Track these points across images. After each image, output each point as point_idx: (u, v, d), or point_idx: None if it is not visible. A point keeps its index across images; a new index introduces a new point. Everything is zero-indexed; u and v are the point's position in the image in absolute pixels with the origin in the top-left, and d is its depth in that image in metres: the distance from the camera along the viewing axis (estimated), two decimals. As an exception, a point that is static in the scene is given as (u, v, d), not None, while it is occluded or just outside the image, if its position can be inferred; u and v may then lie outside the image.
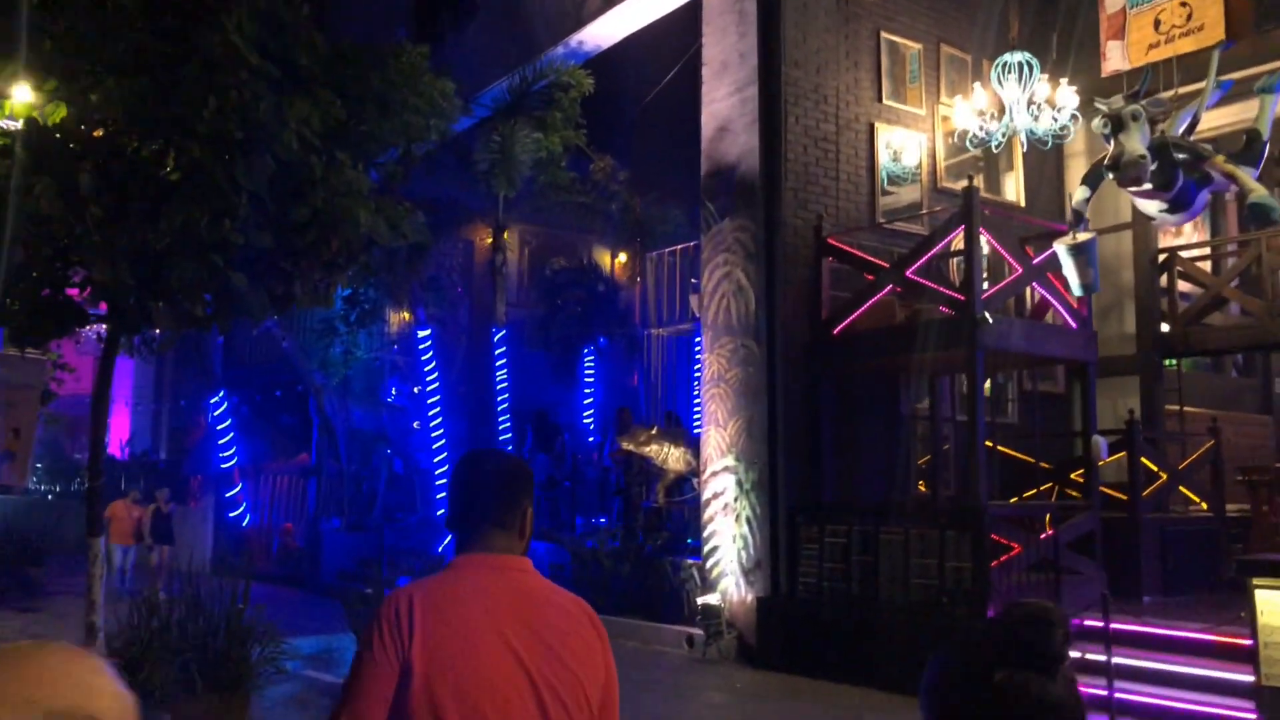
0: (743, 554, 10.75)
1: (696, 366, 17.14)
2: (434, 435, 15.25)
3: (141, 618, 7.85)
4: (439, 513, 15.68)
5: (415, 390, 18.45)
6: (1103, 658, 8.42)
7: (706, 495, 11.24)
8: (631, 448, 12.10)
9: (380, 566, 15.02)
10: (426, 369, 15.44)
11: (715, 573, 11.05)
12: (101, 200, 8.04)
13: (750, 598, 10.59)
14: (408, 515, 17.19)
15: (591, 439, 16.58)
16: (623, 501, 13.14)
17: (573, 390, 19.04)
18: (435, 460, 15.39)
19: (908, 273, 9.90)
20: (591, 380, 19.25)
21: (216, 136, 8.19)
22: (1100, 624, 8.62)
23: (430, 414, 15.27)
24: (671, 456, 12.09)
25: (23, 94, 7.90)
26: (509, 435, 13.87)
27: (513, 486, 2.12)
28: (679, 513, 12.73)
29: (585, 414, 18.94)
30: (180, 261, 8.44)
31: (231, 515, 18.69)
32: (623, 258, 20.56)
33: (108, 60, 8.12)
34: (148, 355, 20.57)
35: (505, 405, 13.94)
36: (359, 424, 16.99)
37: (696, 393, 16.18)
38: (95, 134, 8.40)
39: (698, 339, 13.70)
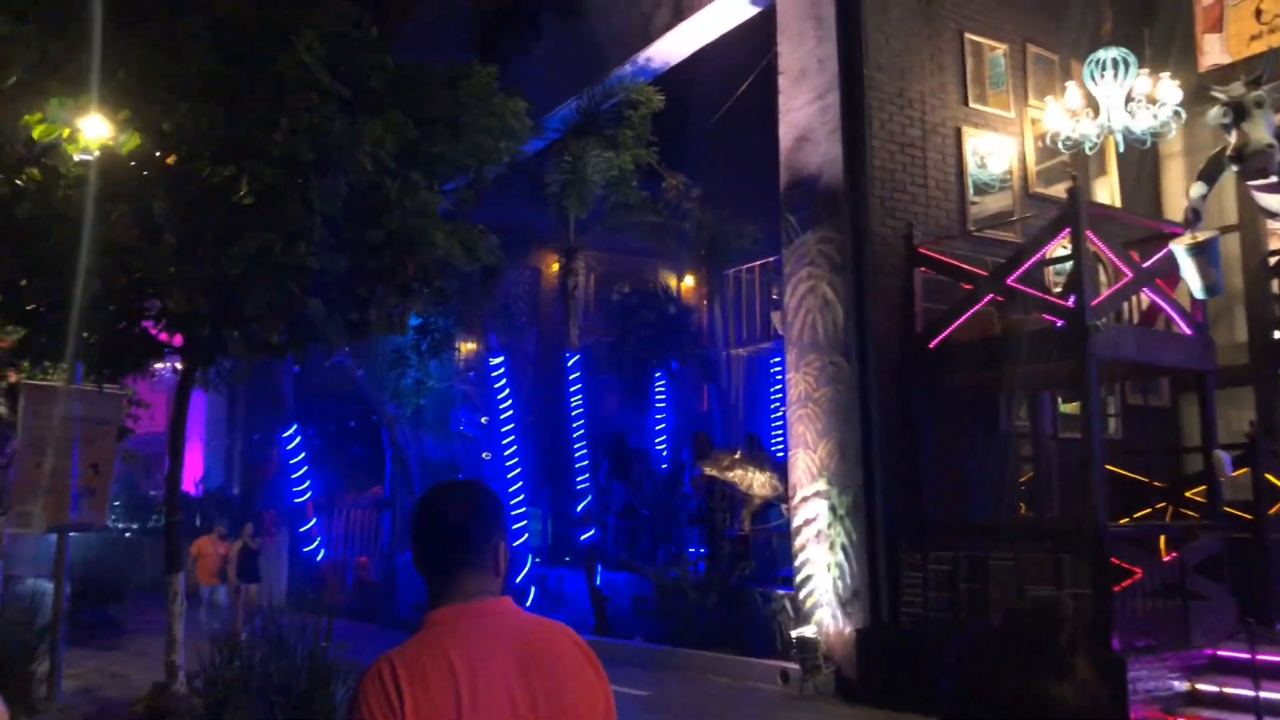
0: (839, 583, 10.20)
1: (775, 387, 16.66)
2: (508, 464, 14.94)
3: (223, 658, 7.56)
4: (515, 543, 15.34)
5: (484, 420, 18.23)
6: (1246, 692, 7.72)
7: (797, 522, 10.72)
8: (715, 473, 11.63)
9: (457, 600, 14.71)
10: (499, 396, 15.16)
11: (809, 603, 10.51)
12: (175, 227, 7.87)
13: (848, 629, 10.02)
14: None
15: (664, 465, 16.14)
16: (705, 530, 12.66)
17: (644, 415, 18.65)
18: (510, 490, 15.05)
19: (1009, 280, 9.34)
20: (662, 404, 18.85)
21: (289, 159, 7.97)
22: (1242, 655, 7.93)
23: (504, 442, 14.97)
24: (756, 482, 11.59)
25: (96, 127, 7.77)
26: (585, 463, 13.51)
27: (483, 520, 1.95)
28: (765, 540, 12.21)
29: (657, 439, 18.53)
30: (255, 288, 8.22)
31: (306, 550, 18.55)
32: (689, 280, 20.22)
33: (180, 86, 7.98)
34: (220, 389, 20.65)
35: (581, 432, 13.58)
36: (431, 454, 16.76)
37: (778, 414, 15.68)
38: (168, 160, 8.24)
39: (777, 358, 13.24)
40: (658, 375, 17.64)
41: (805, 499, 10.65)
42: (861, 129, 10.38)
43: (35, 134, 7.76)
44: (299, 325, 8.99)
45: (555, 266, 21.28)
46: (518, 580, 15.00)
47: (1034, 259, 9.42)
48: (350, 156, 8.23)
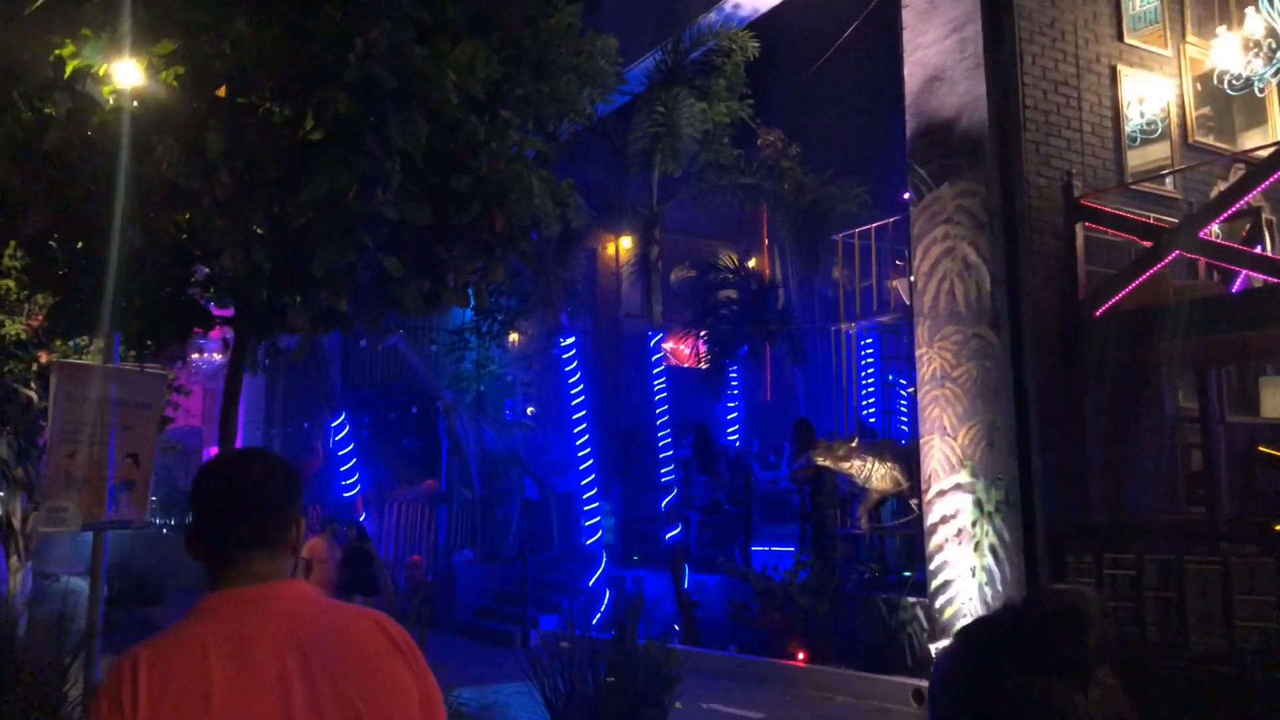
0: (986, 590, 8.79)
1: (868, 367, 15.24)
2: (580, 455, 13.62)
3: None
4: (588, 541, 14.04)
5: (531, 410, 16.94)
6: None
7: (932, 519, 9.32)
8: (829, 463, 10.24)
9: (526, 603, 13.42)
10: (570, 381, 13.83)
11: (948, 613, 9.11)
12: (233, 165, 6.57)
13: (1000, 643, 8.62)
14: (545, 545, 15.58)
15: (752, 455, 14.74)
16: (810, 528, 11.27)
17: (715, 403, 17.29)
18: (582, 484, 13.75)
19: (1201, 234, 7.90)
20: (736, 390, 17.47)
21: (365, 86, 6.67)
22: None
23: (576, 431, 13.65)
24: (876, 474, 10.20)
25: (130, 72, 6.48)
26: (669, 454, 12.17)
27: (269, 493, 1.74)
28: (881, 540, 10.82)
29: (729, 429, 17.16)
30: (323, 242, 6.93)
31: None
32: (751, 262, 18.80)
33: (233, 3, 6.70)
34: (264, 372, 19.52)
35: (665, 419, 12.24)
36: (490, 445, 15.48)
37: (902, 395, 14.26)
38: (219, 93, 6.95)
39: (871, 336, 11.81)
40: (738, 356, 16.26)
41: (942, 493, 9.25)
42: (1011, 64, 8.95)
43: (67, 71, 6.52)
44: (371, 290, 7.69)
45: (611, 247, 19.98)
46: (591, 582, 13.69)
47: (1233, 208, 7.96)
48: (437, 86, 6.92)
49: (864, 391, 15.43)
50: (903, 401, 12.35)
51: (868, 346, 15.77)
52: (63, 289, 7.78)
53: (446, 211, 7.61)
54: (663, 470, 12.21)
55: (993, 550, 8.78)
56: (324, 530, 12.54)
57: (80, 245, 7.30)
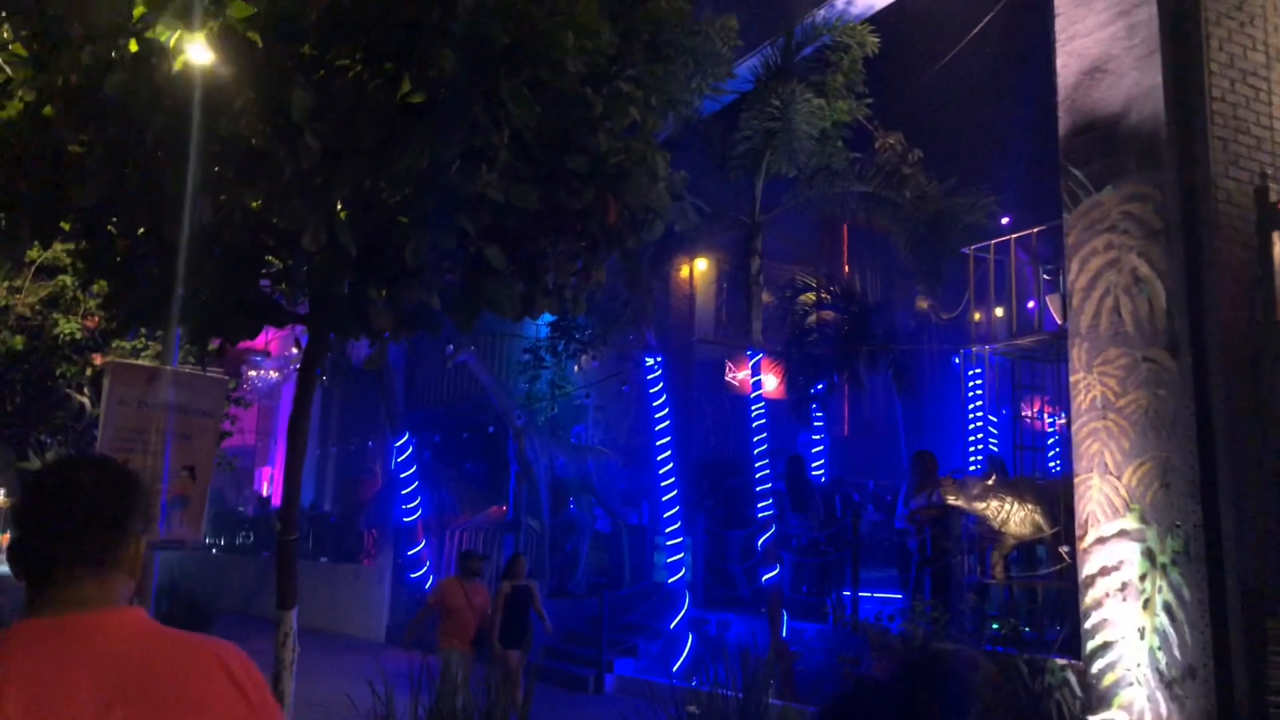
0: (1160, 655, 7.55)
1: (976, 396, 14.03)
2: (664, 485, 12.53)
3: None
4: (671, 580, 12.92)
5: (581, 435, 15.91)
6: None
7: (1089, 570, 8.10)
8: (960, 503, 9.06)
9: (601, 645, 12.31)
10: (655, 404, 12.77)
11: (1108, 680, 7.87)
12: (318, 130, 5.64)
13: (1177, 718, 7.37)
14: (616, 582, 14.48)
15: (845, 488, 13.54)
16: (931, 576, 10.06)
17: (804, 434, 16.14)
18: (665, 516, 12.64)
19: None
20: (820, 422, 16.30)
21: (476, 41, 5.74)
22: None
23: (660, 459, 12.58)
24: (1015, 517, 8.99)
25: (199, 49, 5.58)
26: (768, 487, 11.06)
27: (98, 504, 1.57)
28: (1016, 593, 9.59)
29: (814, 463, 15.98)
30: (417, 227, 6.00)
31: (413, 576, 16.35)
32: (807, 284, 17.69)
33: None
34: (321, 384, 18.65)
35: (764, 448, 11.13)
36: (561, 472, 14.45)
37: (977, 428, 13.05)
38: (304, 50, 6.05)
39: (976, 366, 10.62)
40: (815, 388, 15.16)
41: (1102, 540, 8.03)
42: (1195, 49, 7.82)
43: (135, 13, 5.66)
44: (464, 287, 6.71)
45: (685, 269, 18.97)
46: (673, 625, 12.55)
47: None
48: (556, 46, 5.97)
49: (976, 423, 14.22)
50: (1051, 437, 11.13)
51: (979, 375, 14.60)
52: (121, 276, 6.87)
53: (556, 196, 6.59)
54: (760, 505, 11.09)
55: (1168, 609, 7.53)
56: (460, 566, 10.29)
57: (142, 227, 6.41)
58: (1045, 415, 15.88)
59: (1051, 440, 15.81)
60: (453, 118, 5.81)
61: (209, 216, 5.95)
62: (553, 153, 6.39)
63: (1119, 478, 7.96)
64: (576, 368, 14.38)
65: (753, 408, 11.25)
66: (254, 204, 6.08)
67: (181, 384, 8.20)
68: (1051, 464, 14.69)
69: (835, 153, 10.38)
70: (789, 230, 15.50)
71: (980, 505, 9.02)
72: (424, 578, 16.34)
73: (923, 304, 18.73)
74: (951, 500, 9.11)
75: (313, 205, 5.83)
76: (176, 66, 5.48)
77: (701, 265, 19.53)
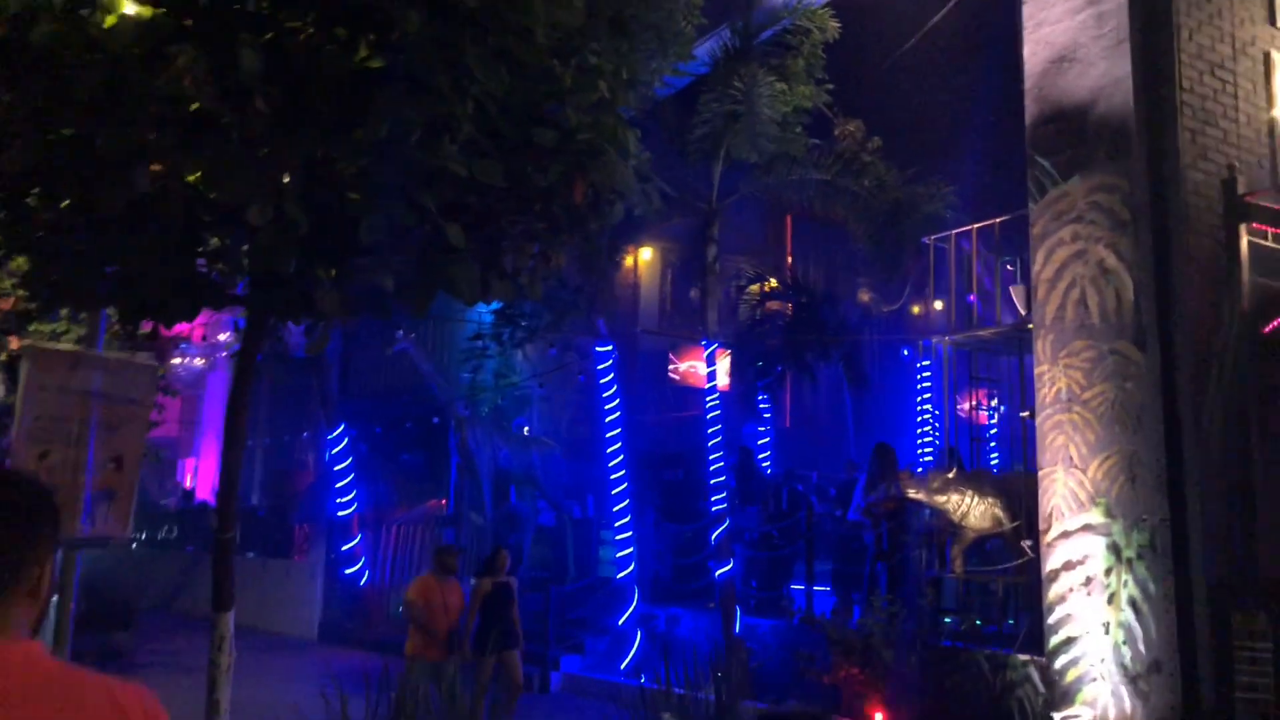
0: (1124, 650, 7.48)
1: (925, 388, 13.98)
2: (613, 478, 12.22)
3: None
4: (619, 575, 12.61)
5: (525, 429, 15.52)
6: None
7: (1052, 564, 8.01)
8: (921, 497, 8.92)
9: (547, 642, 11.96)
10: (605, 395, 12.43)
11: (1071, 676, 7.78)
12: (269, 93, 5.20)
13: (1141, 714, 7.30)
14: (560, 577, 14.13)
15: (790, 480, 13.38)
16: (886, 570, 9.92)
17: (749, 427, 15.97)
18: (615, 510, 12.34)
19: None
20: (767, 413, 16.16)
21: (442, 2, 5.37)
22: None
23: (610, 451, 12.24)
24: (975, 510, 8.88)
25: None
26: (721, 479, 10.83)
27: (3, 526, 1.45)
28: (972, 587, 9.49)
29: (760, 454, 15.83)
30: (374, 202, 5.60)
31: (348, 572, 15.81)
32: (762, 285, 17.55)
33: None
34: (260, 370, 17.95)
35: (718, 440, 10.89)
36: (505, 464, 14.05)
37: (926, 424, 12.98)
38: (255, 5, 5.60)
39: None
40: (764, 380, 15.00)
41: (1066, 534, 7.94)
42: (1166, 39, 7.75)
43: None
44: (419, 268, 6.30)
45: (629, 258, 18.65)
46: (620, 622, 12.26)
47: None
48: (527, 10, 5.60)
49: (925, 415, 14.17)
50: (991, 429, 11.06)
51: (927, 369, 14.55)
52: (43, 252, 6.32)
53: (523, 171, 6.22)
54: (714, 499, 10.85)
55: (1133, 604, 7.46)
56: (436, 562, 9.32)
57: (68, 199, 5.89)
58: (984, 408, 15.98)
59: (992, 433, 15.92)
60: (415, 86, 5.43)
61: (145, 186, 5.46)
62: (519, 126, 6.02)
63: (1084, 471, 7.87)
64: (521, 356, 13.99)
65: (707, 399, 11.01)
66: (195, 174, 5.60)
67: (108, 370, 7.63)
68: (991, 457, 14.76)
69: (794, 139, 10.17)
70: (735, 222, 15.28)
71: (940, 499, 8.89)
72: (359, 574, 15.82)
73: (865, 297, 18.73)
74: (912, 494, 8.96)
75: (260, 176, 5.40)
76: (111, 20, 5.01)
77: (646, 254, 19.26)
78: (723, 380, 13.34)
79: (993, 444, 12.02)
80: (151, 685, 7.06)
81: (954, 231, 9.62)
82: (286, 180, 5.55)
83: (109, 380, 7.56)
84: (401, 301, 6.43)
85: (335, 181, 5.75)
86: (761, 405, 15.82)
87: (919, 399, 13.97)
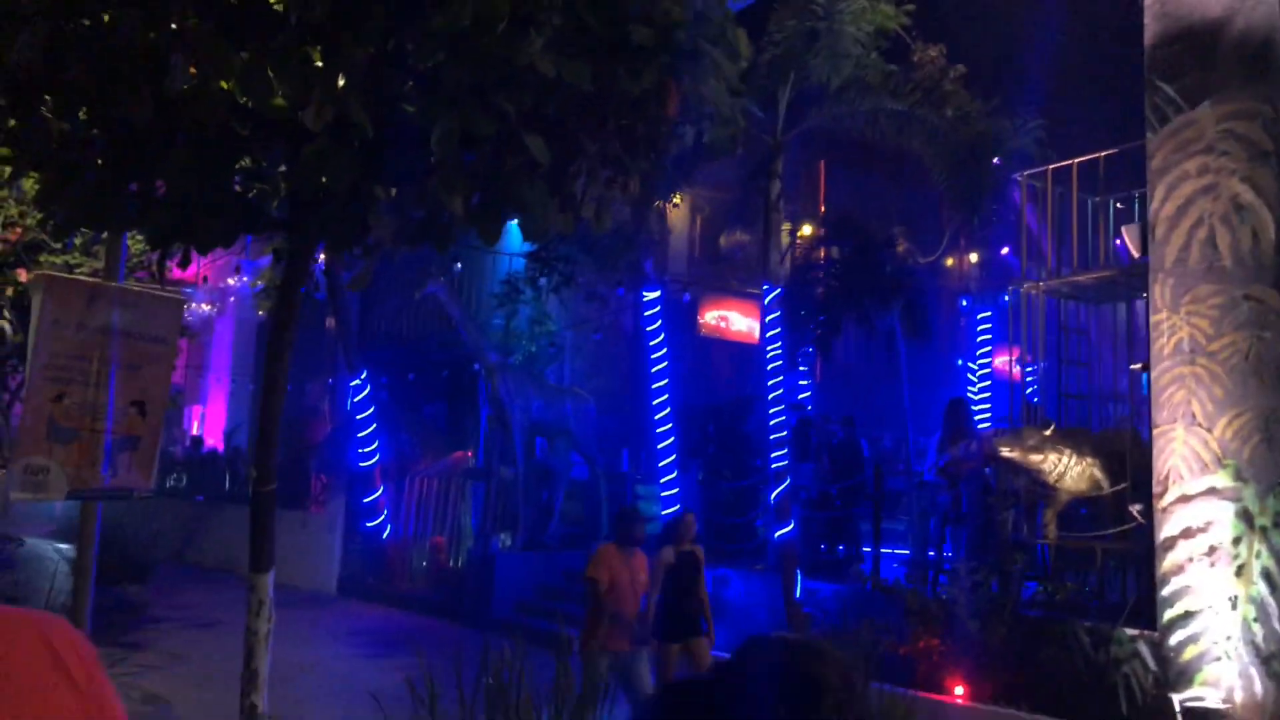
0: (1256, 628, 6.78)
1: (985, 339, 13.16)
2: (659, 432, 11.49)
3: None
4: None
5: (554, 374, 14.75)
6: None
7: (1168, 532, 7.29)
8: (1016, 456, 8.18)
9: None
10: (652, 344, 11.66)
11: (1189, 654, 7.09)
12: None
13: (1275, 701, 6.63)
14: (593, 534, 13.46)
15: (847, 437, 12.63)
16: (968, 535, 9.22)
17: (802, 376, 15.21)
18: (660, 465, 11.63)
19: None
20: (809, 364, 15.40)
21: None
22: None
23: (656, 403, 11.51)
24: (1072, 471, 8.15)
25: None
26: (783, 435, 10.10)
27: None
28: (1066, 554, 8.77)
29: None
30: (448, 105, 4.78)
31: (369, 526, 15.15)
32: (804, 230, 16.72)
33: None
34: (265, 311, 17.02)
35: (779, 393, 10.14)
36: (538, 415, 13.32)
37: (984, 377, 12.21)
38: None
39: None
40: (810, 333, 14.20)
41: (1186, 498, 7.21)
42: (1321, -57, 6.87)
43: None
44: (494, 187, 5.47)
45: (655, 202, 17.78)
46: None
47: None
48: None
49: (978, 368, 13.42)
50: (1031, 386, 10.27)
51: (987, 320, 13.76)
52: (59, 167, 5.48)
53: (614, 75, 5.37)
54: (773, 455, 10.12)
55: (1267, 576, 6.75)
56: (619, 529, 7.26)
57: (86, 104, 5.07)
58: (1022, 364, 15.23)
59: (1030, 390, 15.18)
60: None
61: (178, 86, 4.62)
62: (611, 22, 5.17)
63: (1209, 430, 7.12)
64: (559, 301, 13.18)
65: (768, 349, 10.24)
66: (237, 72, 4.74)
67: (129, 304, 6.84)
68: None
69: (870, 64, 9.29)
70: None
71: (1037, 458, 8.16)
72: (380, 527, 15.17)
73: (900, 247, 17.91)
74: (1005, 452, 8.23)
75: (317, 73, 4.57)
76: None
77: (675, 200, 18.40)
78: (743, 329, 12.59)
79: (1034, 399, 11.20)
80: (170, 646, 6.06)
81: (1050, 166, 8.79)
82: (342, 83, 4.71)
83: (130, 315, 6.78)
84: (471, 228, 5.60)
85: (399, 80, 4.94)
86: (803, 359, 15.07)
87: (979, 353, 13.18)
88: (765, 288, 10.21)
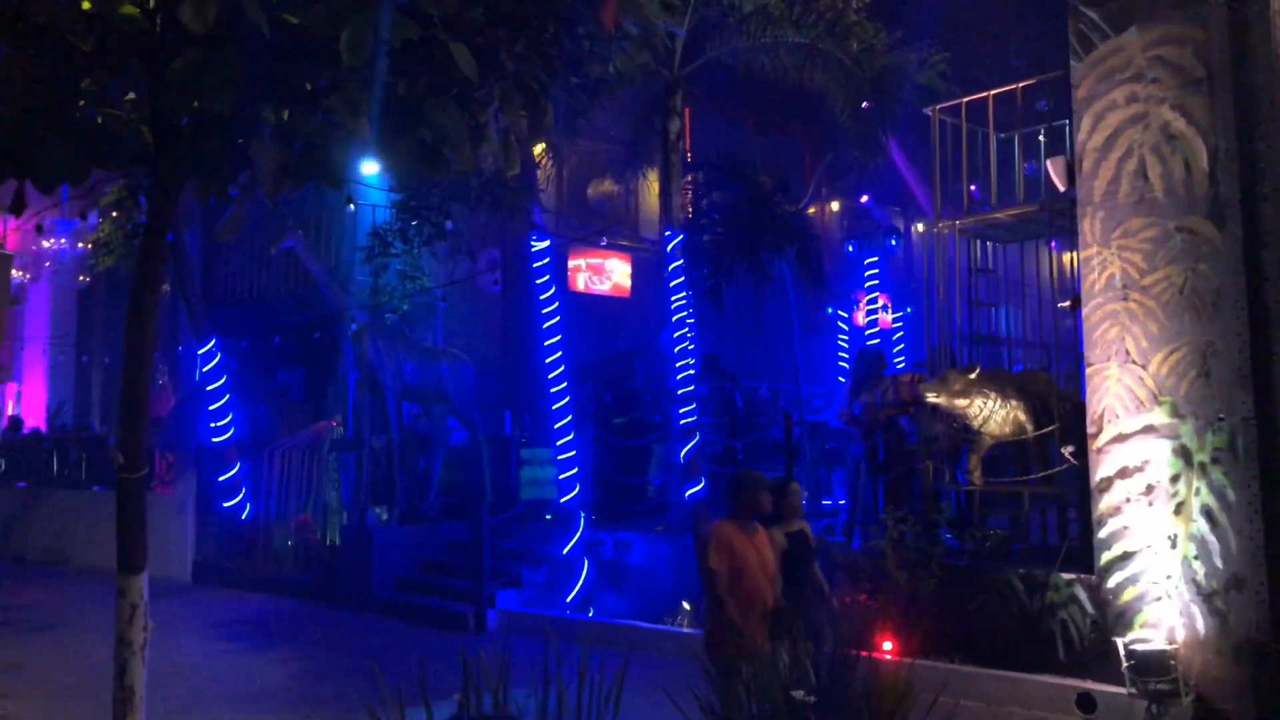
0: (1196, 565, 6.68)
1: (871, 284, 12.87)
2: (554, 391, 10.76)
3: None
4: (563, 499, 11.25)
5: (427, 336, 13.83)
6: None
7: (1104, 472, 7.13)
8: (940, 401, 7.89)
9: (482, 576, 10.56)
10: (543, 298, 10.87)
11: (1128, 595, 6.98)
12: None
13: (1217, 638, 6.55)
14: (476, 501, 12.64)
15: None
16: (886, 485, 8.92)
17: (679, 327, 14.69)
18: (557, 427, 10.93)
19: None
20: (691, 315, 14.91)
21: None
22: None
23: (549, 361, 10.74)
24: (996, 415, 7.92)
25: None
26: (690, 389, 9.58)
27: None
28: (981, 499, 8.56)
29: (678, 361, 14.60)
30: (361, 6, 3.95)
31: (226, 506, 13.88)
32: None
33: None
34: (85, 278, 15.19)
35: (689, 345, 9.59)
36: (411, 379, 12.37)
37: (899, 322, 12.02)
38: None
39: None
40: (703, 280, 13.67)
41: (1120, 438, 7.05)
42: None
43: None
44: (404, 108, 4.61)
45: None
46: (565, 550, 10.95)
47: None
48: None
49: (873, 315, 13.21)
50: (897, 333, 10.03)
51: (873, 266, 13.55)
52: None
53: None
54: (681, 411, 9.59)
55: (1207, 513, 6.65)
56: (738, 501, 5.43)
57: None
58: (886, 310, 15.22)
59: (897, 336, 15.18)
60: None
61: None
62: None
63: (1144, 366, 6.96)
64: (431, 255, 12.20)
65: (673, 298, 9.66)
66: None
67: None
68: (897, 360, 14.02)
69: (772, -9, 8.75)
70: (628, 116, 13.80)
71: (962, 402, 7.89)
72: (239, 507, 13.93)
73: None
74: (931, 397, 7.92)
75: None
76: None
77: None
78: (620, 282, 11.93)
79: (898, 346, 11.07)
80: (5, 650, 4.79)
81: (964, 100, 8.46)
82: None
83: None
84: (381, 158, 4.77)
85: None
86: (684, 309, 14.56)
87: (867, 299, 12.98)
88: (667, 233, 9.61)
